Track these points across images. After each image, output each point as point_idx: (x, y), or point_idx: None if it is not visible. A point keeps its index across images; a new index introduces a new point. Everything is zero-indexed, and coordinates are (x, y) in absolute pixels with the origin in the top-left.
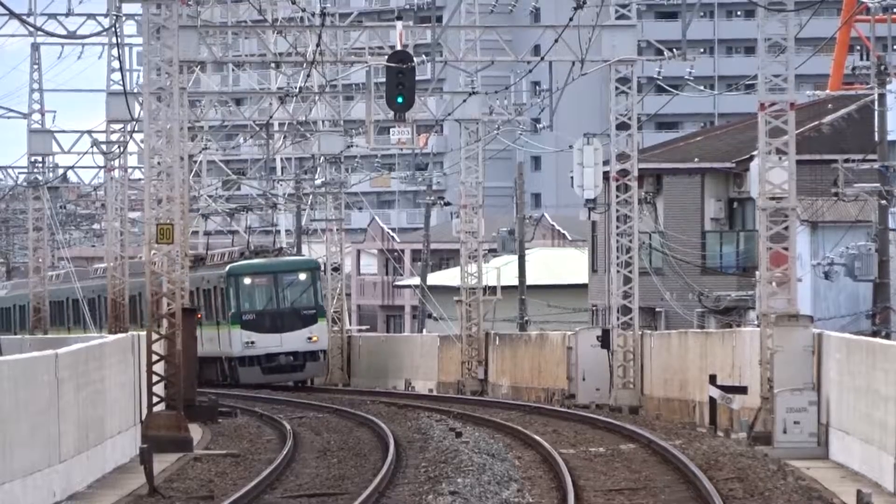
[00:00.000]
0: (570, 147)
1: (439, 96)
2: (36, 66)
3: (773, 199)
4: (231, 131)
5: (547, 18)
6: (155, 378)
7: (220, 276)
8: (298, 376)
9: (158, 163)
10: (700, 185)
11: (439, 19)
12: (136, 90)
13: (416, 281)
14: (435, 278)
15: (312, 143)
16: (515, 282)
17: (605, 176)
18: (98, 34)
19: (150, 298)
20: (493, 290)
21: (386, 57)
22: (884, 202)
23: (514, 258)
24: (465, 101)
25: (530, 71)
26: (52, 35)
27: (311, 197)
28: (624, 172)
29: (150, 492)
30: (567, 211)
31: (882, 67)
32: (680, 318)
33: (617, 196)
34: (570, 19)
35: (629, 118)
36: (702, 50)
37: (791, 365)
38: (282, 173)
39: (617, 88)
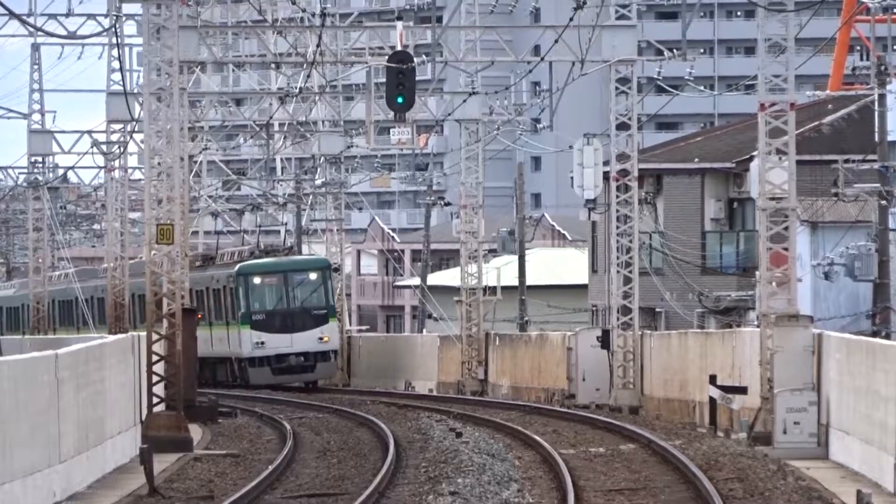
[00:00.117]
0: (570, 147)
1: (439, 96)
2: (36, 67)
3: (773, 199)
4: (231, 132)
5: (547, 19)
6: (155, 378)
7: (229, 275)
8: (309, 377)
9: (158, 163)
10: (700, 185)
11: (439, 20)
12: (136, 90)
13: (416, 281)
14: (435, 278)
15: (312, 144)
16: (515, 282)
17: (605, 176)
18: (98, 34)
19: (150, 299)
20: (493, 290)
21: (386, 57)
22: (884, 202)
23: (514, 258)
24: (465, 101)
25: (530, 71)
26: (52, 35)
27: (311, 197)
28: (624, 172)
29: (150, 492)
30: (567, 211)
31: (882, 68)
32: (680, 318)
33: (617, 196)
34: (570, 19)
35: (629, 118)
36: (702, 50)
37: (791, 365)
38: (282, 173)
39: (617, 89)
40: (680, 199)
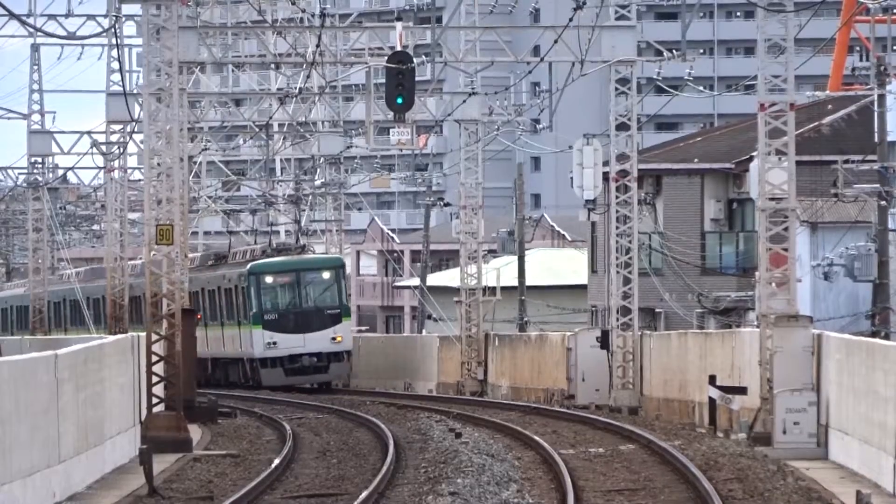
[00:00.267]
0: (570, 148)
1: (439, 97)
2: (36, 67)
3: (772, 199)
4: (231, 132)
5: (547, 19)
6: (154, 379)
7: (240, 274)
8: (322, 378)
9: (158, 164)
10: (700, 185)
11: (439, 20)
12: (135, 91)
13: (416, 282)
14: (434, 279)
15: (312, 144)
16: (515, 282)
17: (605, 176)
18: (98, 35)
19: (149, 299)
20: (492, 290)
21: (386, 58)
22: (883, 203)
23: (514, 259)
24: (464, 101)
25: (530, 72)
26: (51, 36)
27: (310, 198)
28: (623, 173)
29: (150, 492)
30: (567, 211)
31: (882, 68)
32: (679, 318)
33: (616, 197)
34: (570, 20)
35: (629, 119)
36: (701, 50)
37: (790, 365)
38: (281, 174)
39: (616, 89)
40: (679, 199)
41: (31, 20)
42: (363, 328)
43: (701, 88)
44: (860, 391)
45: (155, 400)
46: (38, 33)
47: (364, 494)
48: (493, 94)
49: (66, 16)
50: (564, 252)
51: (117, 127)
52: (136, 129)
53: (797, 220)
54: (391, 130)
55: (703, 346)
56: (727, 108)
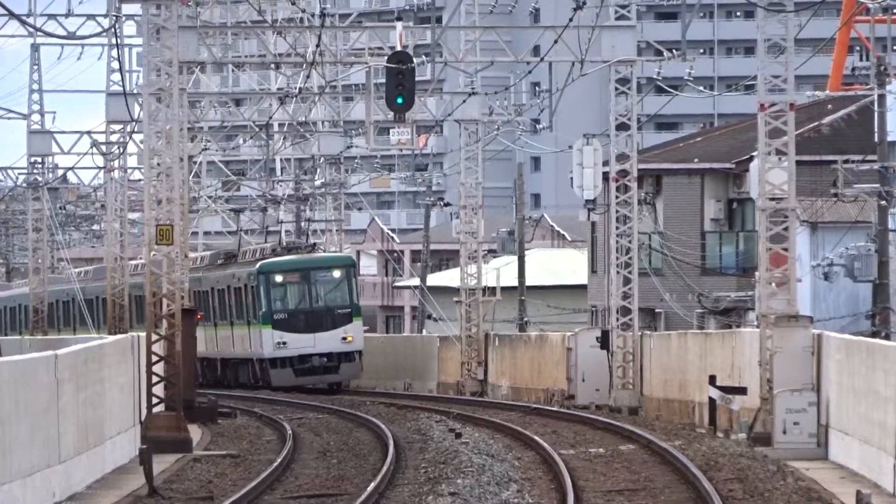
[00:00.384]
0: (570, 148)
1: (439, 97)
2: (36, 67)
3: (772, 199)
4: (231, 132)
5: (546, 19)
6: (154, 379)
7: (250, 273)
8: (332, 378)
9: (158, 164)
10: (700, 185)
11: (439, 20)
12: (135, 91)
13: (416, 282)
14: (434, 279)
15: (312, 144)
16: (515, 282)
17: (605, 176)
18: (98, 35)
19: (149, 299)
20: (492, 290)
21: (386, 58)
22: (883, 203)
23: (514, 259)
24: (464, 101)
25: (530, 72)
26: (51, 36)
27: (310, 198)
28: (623, 173)
29: (150, 492)
30: (567, 211)
31: (882, 68)
32: (679, 318)
33: (616, 197)
34: (570, 20)
35: (629, 119)
36: (701, 50)
37: (790, 366)
38: (281, 174)
39: (616, 89)
40: (679, 199)
41: (31, 20)
42: (363, 328)
43: (701, 88)
44: (860, 391)
45: (155, 400)
46: (38, 33)
47: (364, 495)
48: (493, 94)
49: (66, 15)
50: (564, 252)
51: (117, 127)
52: (136, 129)
53: (797, 220)
54: (391, 130)
55: (703, 347)
56: (727, 108)
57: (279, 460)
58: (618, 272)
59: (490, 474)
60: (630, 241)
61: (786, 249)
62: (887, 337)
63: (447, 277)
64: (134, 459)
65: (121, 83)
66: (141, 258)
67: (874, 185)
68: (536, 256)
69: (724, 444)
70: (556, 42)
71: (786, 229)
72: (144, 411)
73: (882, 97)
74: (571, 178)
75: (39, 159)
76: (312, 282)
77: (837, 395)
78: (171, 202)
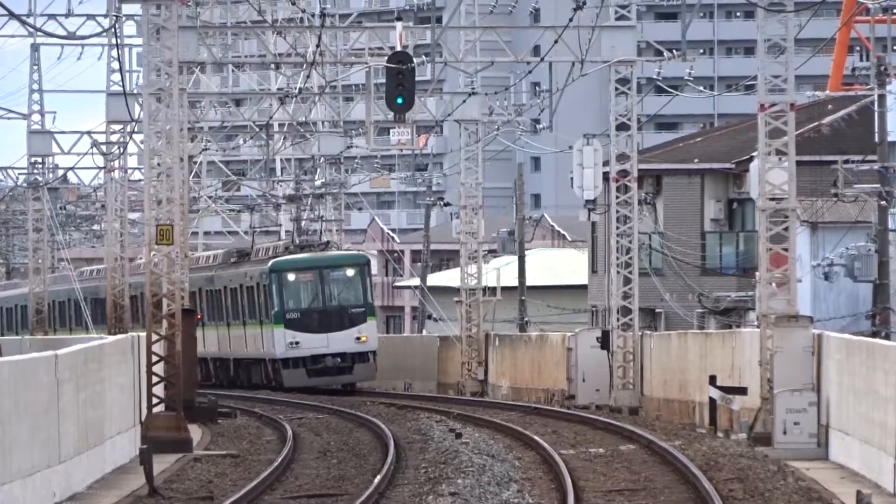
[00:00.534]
0: (570, 148)
1: (439, 97)
2: (36, 67)
3: (772, 199)
4: (231, 132)
5: (547, 19)
6: (155, 379)
7: (262, 271)
8: (346, 379)
9: (158, 164)
10: (700, 185)
11: (439, 20)
12: (135, 91)
13: (416, 282)
14: (435, 279)
15: (312, 144)
16: (515, 282)
17: (605, 177)
18: (98, 35)
19: (149, 299)
20: (492, 290)
21: (386, 58)
22: (883, 203)
23: (514, 259)
24: (464, 101)
25: (530, 72)
26: (51, 36)
27: (310, 198)
28: (624, 173)
29: (150, 492)
30: (567, 212)
31: (882, 68)
32: (680, 318)
33: (617, 197)
34: (570, 20)
35: (629, 119)
36: (701, 51)
37: (791, 366)
38: (282, 174)
39: (617, 89)
40: (679, 199)
41: (31, 20)
42: None
43: (701, 88)
44: (860, 391)
45: (155, 400)
46: (38, 33)
47: (364, 495)
48: (493, 94)
49: (66, 15)
50: (565, 252)
51: (117, 127)
52: (136, 129)
53: (797, 221)
54: (391, 130)
55: (704, 347)
56: (727, 108)
57: (279, 460)
58: (618, 272)
59: (490, 474)
60: (630, 242)
61: (786, 249)
62: (887, 337)
63: (447, 277)
64: (134, 459)
65: (121, 83)
66: (142, 258)
67: (874, 186)
68: (537, 256)
69: (724, 444)
70: (556, 42)
71: (786, 229)
72: (145, 411)
73: (882, 97)
74: (571, 179)
75: (40, 159)
76: (326, 280)
77: (838, 396)
78: (171, 202)
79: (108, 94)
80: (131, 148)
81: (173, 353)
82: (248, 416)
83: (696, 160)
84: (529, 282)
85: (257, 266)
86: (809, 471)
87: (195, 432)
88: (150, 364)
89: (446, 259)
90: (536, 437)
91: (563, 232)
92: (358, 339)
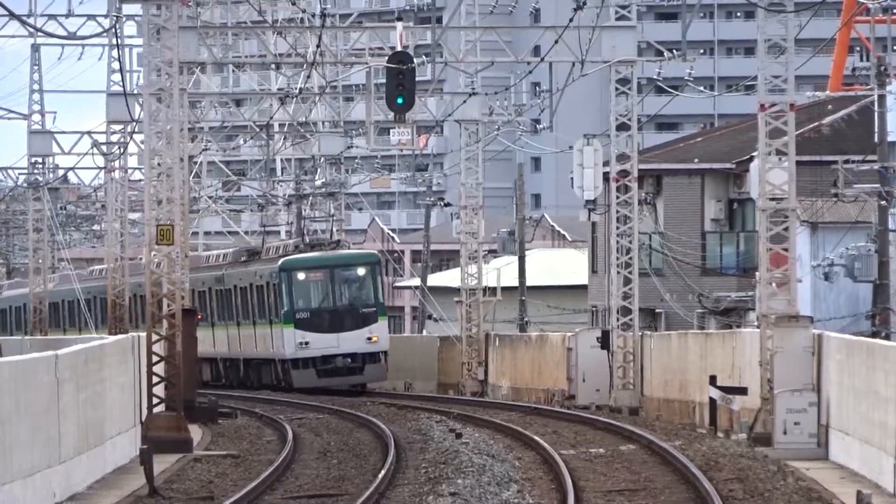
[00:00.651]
0: (570, 148)
1: (439, 97)
2: (36, 67)
3: (772, 199)
4: (231, 132)
5: (547, 19)
6: (155, 379)
7: (272, 270)
8: (357, 380)
9: (158, 164)
10: (700, 185)
11: (439, 20)
12: (136, 91)
13: (416, 282)
14: (435, 279)
15: (312, 144)
16: (515, 283)
17: (605, 177)
18: (98, 35)
19: (149, 299)
20: (493, 290)
21: (386, 58)
22: (884, 203)
23: (514, 259)
24: (465, 101)
25: (530, 72)
26: (52, 36)
27: (317, 197)
28: (624, 173)
29: (150, 492)
30: (567, 212)
31: (882, 68)
32: (680, 319)
33: (617, 197)
34: (570, 20)
35: (629, 119)
36: (702, 51)
37: (791, 366)
38: (282, 174)
39: (617, 89)
40: (680, 199)
41: (31, 20)
42: None
43: (701, 89)
44: (861, 391)
45: (155, 400)
46: (39, 33)
47: (365, 495)
48: (494, 94)
49: (67, 16)
50: (565, 252)
51: (118, 127)
52: (136, 130)
53: (797, 221)
54: (391, 130)
55: (704, 347)
56: (727, 108)
57: (279, 460)
58: (618, 272)
59: (490, 474)
60: (630, 242)
61: (786, 250)
62: (887, 337)
63: (447, 278)
64: (134, 459)
65: (121, 83)
66: (142, 258)
67: (874, 186)
68: (537, 257)
69: (724, 444)
70: (556, 42)
71: (786, 229)
72: (145, 411)
73: (882, 97)
74: (572, 179)
75: (40, 159)
76: (336, 280)
77: (838, 396)
78: (171, 202)
79: (108, 95)
80: (131, 148)
81: (174, 353)
82: (248, 416)
83: (696, 160)
84: (529, 282)
85: (267, 265)
86: (809, 471)
87: (195, 432)
88: (150, 364)
89: (446, 259)
90: (536, 438)
91: (563, 232)
92: (369, 339)
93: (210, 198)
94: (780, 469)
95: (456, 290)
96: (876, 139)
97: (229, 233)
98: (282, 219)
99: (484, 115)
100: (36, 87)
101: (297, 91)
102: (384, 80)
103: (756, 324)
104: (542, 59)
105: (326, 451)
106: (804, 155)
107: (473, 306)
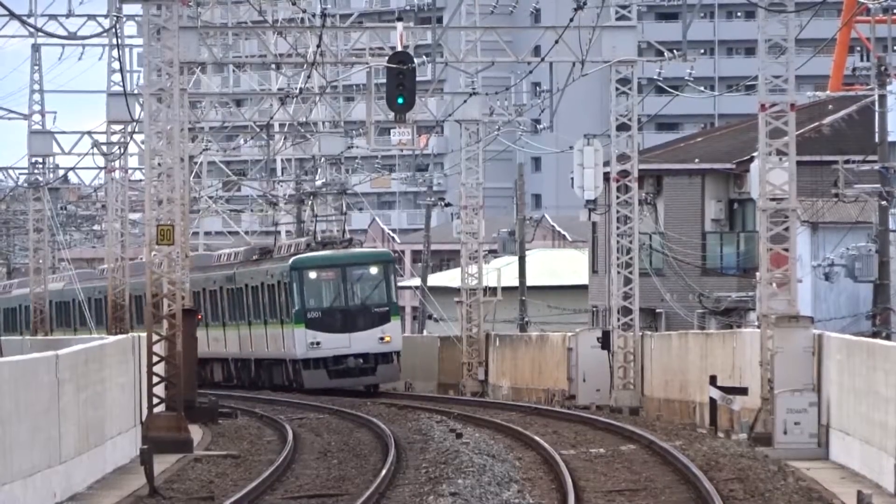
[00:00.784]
0: (571, 148)
1: (440, 97)
2: (36, 68)
3: (773, 200)
4: (231, 132)
5: (547, 19)
6: (155, 379)
7: (283, 269)
8: (369, 380)
9: (159, 164)
10: (700, 186)
11: (440, 20)
12: (136, 91)
13: (417, 282)
14: (435, 279)
15: (313, 144)
16: (516, 283)
17: (606, 177)
18: (98, 35)
19: (150, 300)
20: (493, 290)
21: (386, 58)
22: (884, 203)
23: (515, 259)
24: (465, 101)
25: (531, 72)
26: (52, 36)
27: (311, 198)
28: (624, 173)
29: (151, 492)
30: (567, 212)
31: (882, 68)
32: (680, 319)
33: (617, 197)
34: (571, 20)
35: (629, 119)
36: (702, 51)
37: (791, 366)
38: (282, 174)
39: (617, 89)
40: (680, 199)
41: (31, 20)
42: None
43: (701, 89)
44: (861, 391)
45: (156, 400)
46: (39, 33)
47: (365, 495)
48: (494, 94)
49: (67, 16)
50: (565, 252)
51: (118, 127)
52: (136, 130)
53: (798, 221)
54: (392, 131)
55: (704, 347)
56: (728, 108)
57: (280, 460)
58: (618, 272)
59: (491, 474)
60: (631, 242)
61: (786, 250)
62: (888, 337)
63: (448, 278)
64: (135, 459)
65: (121, 83)
66: (141, 258)
67: (875, 186)
68: (537, 257)
69: (724, 444)
70: (556, 42)
71: (786, 230)
72: (145, 411)
73: (882, 97)
74: (572, 179)
75: (40, 159)
76: (348, 278)
77: (838, 396)
78: (171, 202)
79: (108, 95)
80: (132, 148)
81: (174, 353)
82: (248, 416)
83: (696, 160)
84: (530, 282)
85: (278, 264)
86: (810, 471)
87: (196, 432)
88: (150, 364)
89: (447, 259)
90: (537, 438)
91: (563, 232)
92: (381, 339)
93: (210, 198)
94: (780, 469)
95: (456, 291)
96: (876, 139)
97: (229, 233)
98: (290, 217)
99: (484, 115)
100: (36, 87)
101: (298, 91)
102: (384, 80)
103: (756, 324)
104: (543, 59)
105: (327, 451)
106: (804, 155)
107: (474, 306)
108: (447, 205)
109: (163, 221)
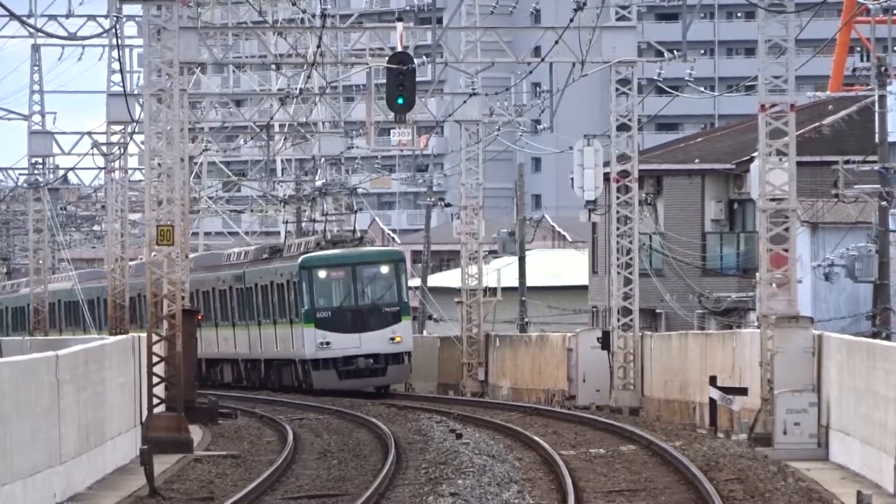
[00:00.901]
0: (571, 148)
1: (440, 97)
2: (36, 68)
3: (773, 200)
4: (231, 133)
5: (547, 20)
6: (155, 379)
7: (292, 268)
8: (379, 381)
9: (159, 164)
10: (700, 186)
11: (440, 21)
12: (136, 91)
13: (417, 282)
14: (435, 280)
15: (313, 145)
16: (516, 283)
17: (606, 177)
18: (98, 35)
19: (150, 300)
20: (493, 291)
21: (386, 58)
22: (884, 203)
23: (515, 259)
24: (465, 102)
25: (531, 72)
26: (52, 36)
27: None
28: (624, 174)
29: (151, 493)
30: (567, 212)
31: (882, 69)
32: (680, 319)
33: (617, 197)
34: (571, 21)
35: (629, 119)
36: (702, 51)
37: (791, 366)
38: (282, 175)
39: (617, 90)
40: (680, 200)
41: (31, 21)
42: None
43: (702, 89)
44: (861, 392)
45: (156, 401)
46: (39, 34)
47: (365, 495)
48: (494, 94)
49: (67, 16)
50: (565, 253)
51: (118, 127)
52: (136, 130)
53: (798, 221)
54: (392, 131)
55: (704, 347)
56: (728, 108)
57: (280, 461)
58: (618, 273)
59: (491, 475)
60: (631, 242)
61: (786, 250)
62: (888, 337)
63: (448, 278)
64: (135, 460)
65: (121, 84)
66: (141, 258)
67: (875, 186)
68: (537, 257)
69: (724, 444)
70: (556, 43)
71: (786, 230)
72: (145, 412)
73: (882, 98)
74: (572, 179)
75: (40, 160)
76: (358, 278)
77: (838, 396)
78: (171, 203)
79: (108, 95)
80: (132, 148)
81: (174, 353)
82: (248, 416)
83: (696, 161)
84: (530, 282)
85: (287, 262)
86: (810, 471)
87: (196, 433)
88: (150, 364)
89: (447, 259)
90: (537, 438)
91: (563, 232)
92: (392, 339)
93: (210, 198)
94: (780, 469)
95: (456, 291)
96: (876, 139)
97: (230, 233)
98: (299, 216)
99: (484, 115)
100: (36, 87)
101: (298, 91)
102: (384, 81)
103: (756, 324)
104: (543, 60)
105: (327, 452)
106: (804, 155)
107: (474, 307)
108: (447, 205)
109: (163, 222)
